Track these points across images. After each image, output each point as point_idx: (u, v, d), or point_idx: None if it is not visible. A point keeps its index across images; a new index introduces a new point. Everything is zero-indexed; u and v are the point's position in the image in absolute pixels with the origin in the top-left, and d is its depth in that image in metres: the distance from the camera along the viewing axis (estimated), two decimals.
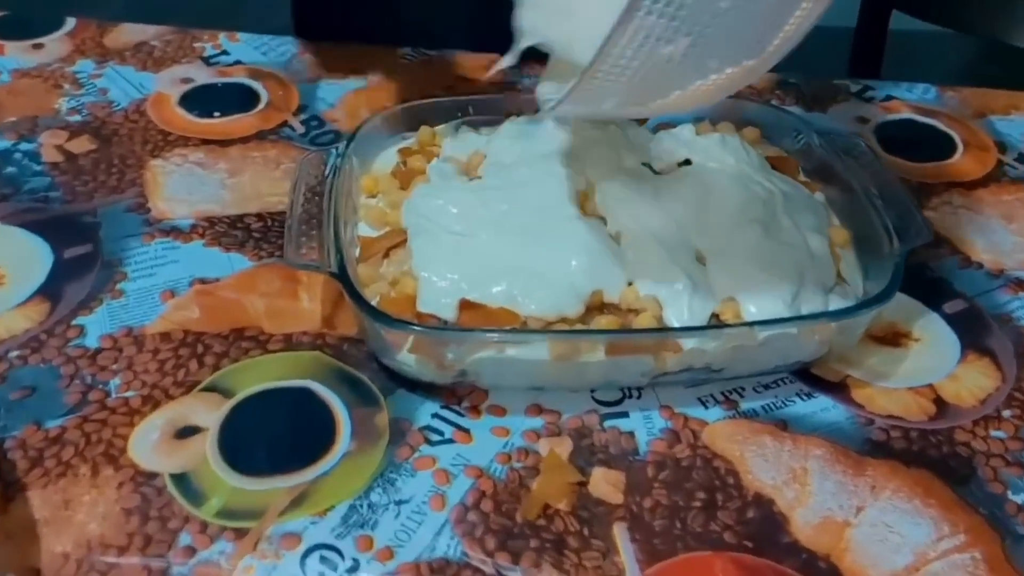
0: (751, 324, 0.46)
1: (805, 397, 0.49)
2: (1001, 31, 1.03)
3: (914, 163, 0.67)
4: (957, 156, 0.68)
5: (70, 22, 0.79)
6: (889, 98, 0.74)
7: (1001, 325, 0.54)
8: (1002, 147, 0.69)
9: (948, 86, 0.75)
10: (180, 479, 0.44)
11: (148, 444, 0.46)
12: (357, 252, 0.52)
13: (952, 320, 0.54)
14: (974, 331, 0.53)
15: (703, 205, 0.51)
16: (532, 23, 0.46)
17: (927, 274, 0.57)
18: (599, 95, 0.39)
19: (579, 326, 0.46)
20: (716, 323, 0.46)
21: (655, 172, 0.56)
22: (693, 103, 0.42)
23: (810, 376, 0.50)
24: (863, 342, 0.52)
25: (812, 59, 0.62)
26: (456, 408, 0.48)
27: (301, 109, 0.70)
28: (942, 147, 0.69)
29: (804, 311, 0.47)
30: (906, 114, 0.72)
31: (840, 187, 0.56)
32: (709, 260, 0.49)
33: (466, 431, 0.46)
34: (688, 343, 0.45)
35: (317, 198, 0.53)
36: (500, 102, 0.62)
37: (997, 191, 0.65)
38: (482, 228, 0.49)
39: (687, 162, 0.56)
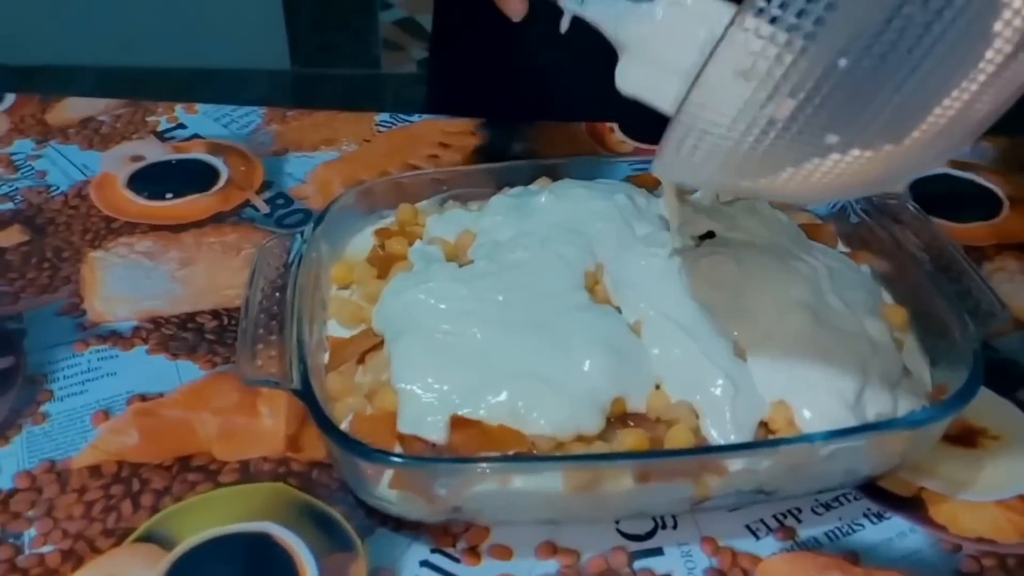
0: (812, 438, 0.37)
1: (876, 519, 0.40)
2: None
3: (957, 224, 0.59)
4: (1004, 214, 0.61)
5: (9, 98, 0.71)
6: None
7: None
8: None
9: (987, 136, 0.68)
10: None
11: None
12: (326, 358, 0.43)
13: None
14: None
15: (737, 286, 0.43)
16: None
17: (992, 355, 0.49)
18: (700, 154, 0.30)
19: (599, 444, 0.38)
20: (769, 438, 0.38)
21: (674, 247, 0.48)
22: (813, 192, 0.32)
23: (878, 491, 0.41)
24: (938, 447, 0.43)
25: None
26: (451, 552, 0.39)
27: (266, 186, 0.62)
28: (986, 204, 0.62)
29: (870, 414, 0.39)
30: (940, 168, 0.65)
31: (888, 258, 0.48)
32: (750, 355, 0.41)
33: None
34: (735, 464, 0.37)
35: (278, 293, 0.45)
36: (493, 172, 0.55)
37: None
38: (475, 325, 0.41)
39: (710, 234, 0.48)
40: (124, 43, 2.67)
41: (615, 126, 0.69)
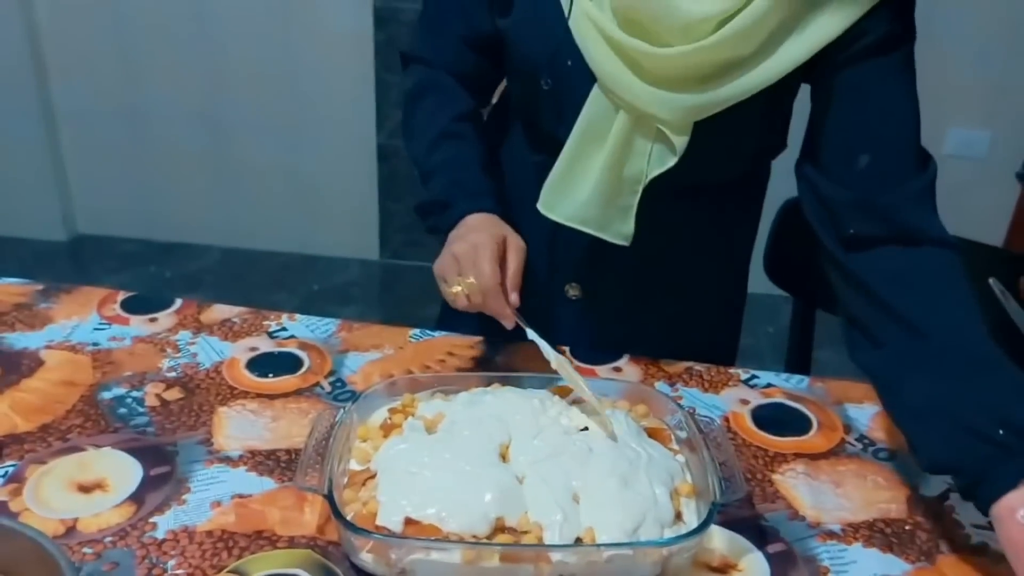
0: (596, 546, 0.67)
1: None
2: None
3: (776, 437, 0.89)
4: (811, 434, 0.90)
5: (177, 302, 1.09)
6: (769, 385, 0.97)
7: (806, 564, 0.73)
8: (848, 429, 0.90)
9: (819, 378, 0.98)
10: None
11: None
12: (346, 480, 0.75)
13: (771, 558, 0.74)
14: (784, 566, 0.73)
15: (585, 461, 0.74)
16: None
17: (761, 523, 0.77)
18: None
19: (484, 540, 0.68)
20: (571, 544, 0.67)
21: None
22: None
23: None
24: (698, 568, 0.72)
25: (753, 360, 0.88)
26: None
27: (331, 373, 0.97)
28: (801, 426, 0.91)
29: (643, 540, 0.68)
30: (779, 399, 0.95)
31: (696, 453, 0.78)
32: (581, 500, 0.71)
33: None
34: (554, 556, 0.66)
35: (324, 442, 0.77)
36: (466, 378, 0.88)
37: (835, 463, 0.86)
38: (428, 469, 0.73)
39: (585, 428, 0.79)
40: (245, 229, 3.19)
41: (567, 348, 1.02)
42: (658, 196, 0.91)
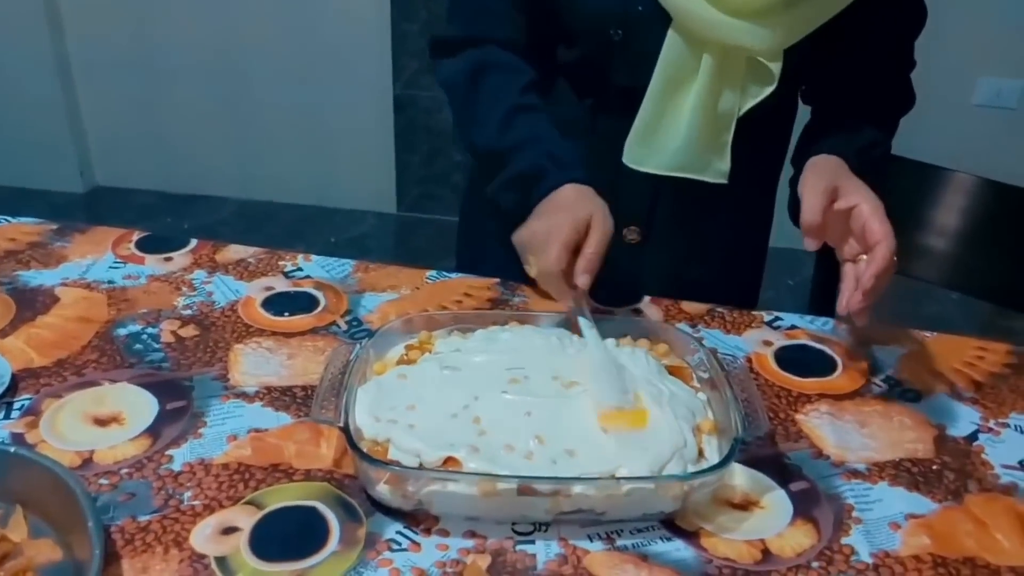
0: (616, 479, 0.65)
1: (665, 540, 0.67)
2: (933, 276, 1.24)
3: (800, 378, 0.87)
4: (836, 374, 0.88)
5: (192, 242, 1.08)
6: (793, 327, 0.95)
7: (830, 501, 0.72)
8: (874, 370, 0.88)
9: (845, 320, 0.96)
10: (221, 561, 0.65)
11: (203, 536, 0.67)
12: None
13: (793, 495, 0.72)
14: (808, 504, 0.71)
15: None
16: None
17: (784, 460, 0.76)
18: None
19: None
20: (591, 477, 0.66)
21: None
22: None
23: (673, 525, 0.69)
24: (719, 504, 0.70)
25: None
26: (414, 529, 0.68)
27: (347, 312, 0.96)
28: (825, 367, 0.89)
29: (664, 475, 0.67)
30: (803, 340, 0.93)
31: (718, 391, 0.76)
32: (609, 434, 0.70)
33: (418, 544, 0.66)
34: (575, 490, 0.65)
35: (342, 376, 0.76)
36: (483, 316, 0.86)
37: (860, 403, 0.84)
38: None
39: None
40: (262, 181, 3.17)
41: (585, 291, 1.00)
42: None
